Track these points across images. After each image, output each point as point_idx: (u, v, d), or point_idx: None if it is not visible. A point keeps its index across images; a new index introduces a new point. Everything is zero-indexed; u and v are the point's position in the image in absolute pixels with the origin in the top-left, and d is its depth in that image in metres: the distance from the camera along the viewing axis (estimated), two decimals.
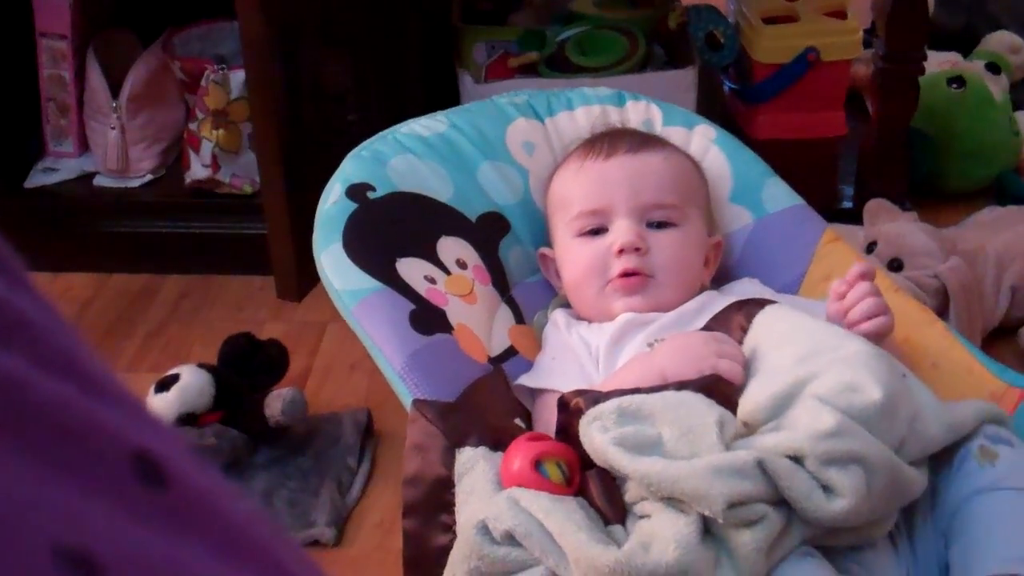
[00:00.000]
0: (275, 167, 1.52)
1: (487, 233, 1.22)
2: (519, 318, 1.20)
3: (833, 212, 1.77)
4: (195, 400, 1.37)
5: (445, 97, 1.86)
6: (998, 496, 0.89)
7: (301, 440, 1.40)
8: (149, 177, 1.91)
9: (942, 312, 1.51)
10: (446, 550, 0.90)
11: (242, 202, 1.77)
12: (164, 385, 1.38)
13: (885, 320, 1.02)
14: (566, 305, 1.20)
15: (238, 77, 1.74)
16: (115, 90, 1.88)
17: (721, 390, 0.90)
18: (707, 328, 1.03)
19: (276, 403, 1.36)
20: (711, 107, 2.03)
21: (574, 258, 1.16)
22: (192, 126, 1.82)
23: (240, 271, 1.79)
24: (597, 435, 0.87)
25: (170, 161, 1.94)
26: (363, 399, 1.48)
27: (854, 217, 1.70)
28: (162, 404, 1.37)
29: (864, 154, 1.79)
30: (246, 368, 1.42)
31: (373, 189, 1.18)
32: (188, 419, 1.36)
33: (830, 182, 1.90)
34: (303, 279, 1.59)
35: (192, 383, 1.37)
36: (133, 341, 1.69)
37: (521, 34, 1.91)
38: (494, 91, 1.79)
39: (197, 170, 1.82)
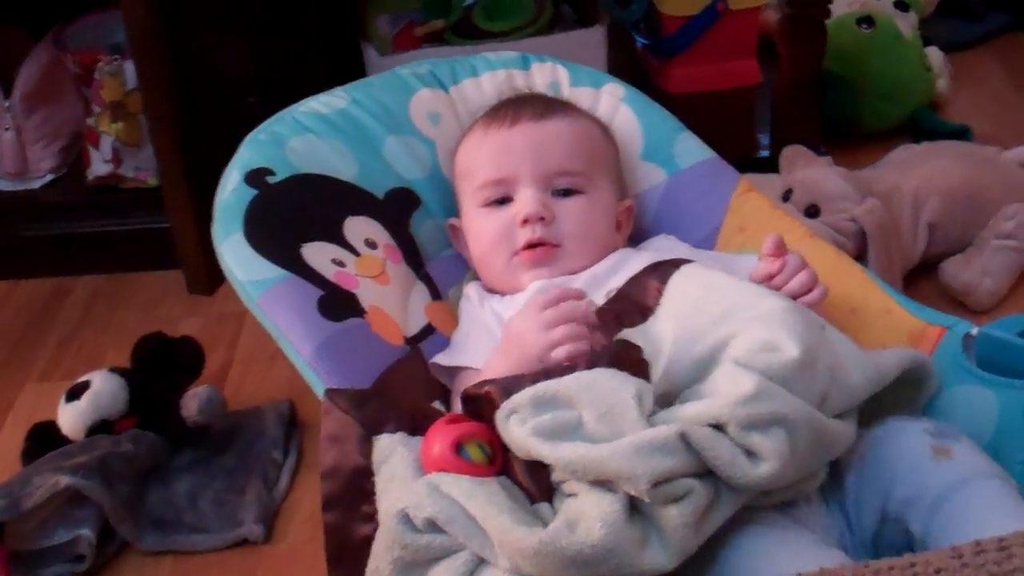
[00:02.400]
0: (173, 158, 1.47)
1: (396, 209, 1.19)
2: (436, 294, 1.17)
3: (751, 161, 1.77)
4: (108, 406, 1.32)
5: (350, 72, 1.82)
6: (973, 488, 0.87)
7: (223, 438, 1.36)
8: (50, 177, 1.85)
9: (861, 254, 1.50)
10: (369, 541, 0.87)
11: (148, 195, 1.72)
12: (75, 393, 1.33)
13: (817, 295, 1.02)
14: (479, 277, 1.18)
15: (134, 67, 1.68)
16: (7, 89, 1.81)
17: (630, 357, 0.88)
18: (621, 293, 1.01)
19: (192, 403, 1.32)
20: (623, 64, 2.00)
21: (480, 230, 1.14)
22: (90, 121, 1.76)
23: (152, 267, 1.74)
24: (516, 428, 0.85)
25: (71, 159, 1.87)
26: (286, 389, 1.44)
27: (771, 165, 1.68)
28: (74, 413, 1.32)
29: (776, 101, 1.78)
30: (160, 369, 1.37)
31: (272, 173, 1.14)
32: (103, 426, 1.32)
33: (748, 131, 1.88)
34: (213, 271, 1.54)
35: (104, 389, 1.33)
36: (46, 349, 1.64)
37: (426, 2, 1.87)
38: (400, 63, 1.75)
39: (99, 166, 1.76)
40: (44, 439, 1.34)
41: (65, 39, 1.84)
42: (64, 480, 1.22)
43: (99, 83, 1.73)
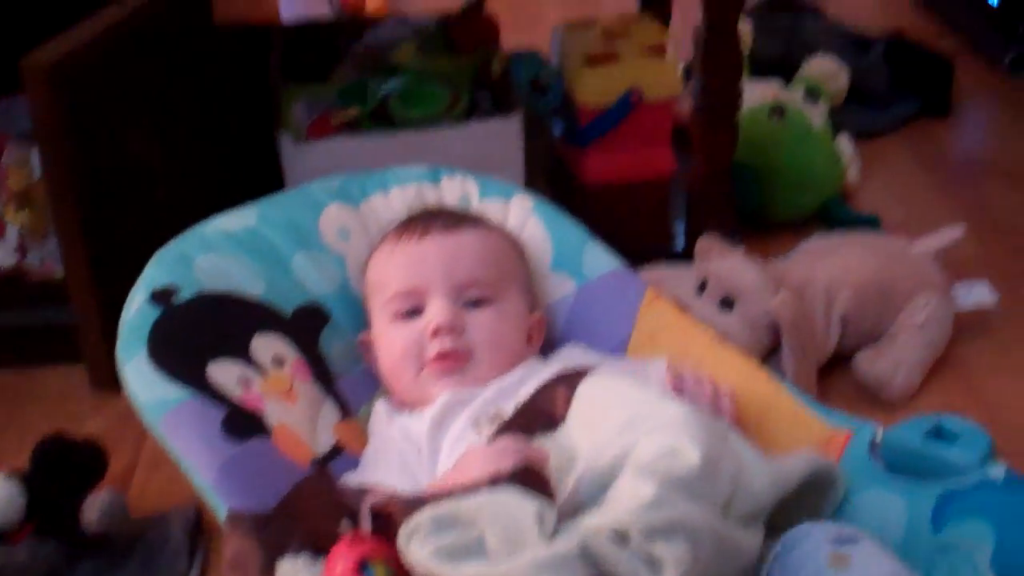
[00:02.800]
0: (78, 251, 1.44)
1: (305, 326, 1.18)
2: (346, 412, 1.17)
3: (667, 252, 1.78)
4: (3, 514, 1.27)
5: (265, 160, 1.80)
6: None
7: (125, 546, 1.31)
8: None
9: (775, 347, 1.51)
10: None
11: (55, 289, 1.67)
12: None
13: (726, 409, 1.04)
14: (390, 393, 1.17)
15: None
16: None
17: (535, 477, 0.87)
18: (530, 402, 1.01)
19: (93, 509, 1.27)
20: (540, 153, 2.02)
21: (390, 341, 1.13)
22: None
23: (58, 361, 1.69)
24: (416, 550, 0.83)
25: None
26: (193, 494, 1.39)
27: (688, 256, 1.70)
28: None
29: (691, 192, 1.80)
30: (60, 472, 1.32)
31: (178, 292, 1.13)
32: None
33: (663, 222, 1.90)
34: (118, 368, 1.51)
35: (0, 496, 1.28)
36: None
37: (342, 89, 1.86)
38: (316, 150, 1.75)
39: (4, 257, 1.71)
40: None
41: None
42: None
43: (4, 171, 1.69)
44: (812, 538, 0.91)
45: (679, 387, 1.05)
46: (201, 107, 1.77)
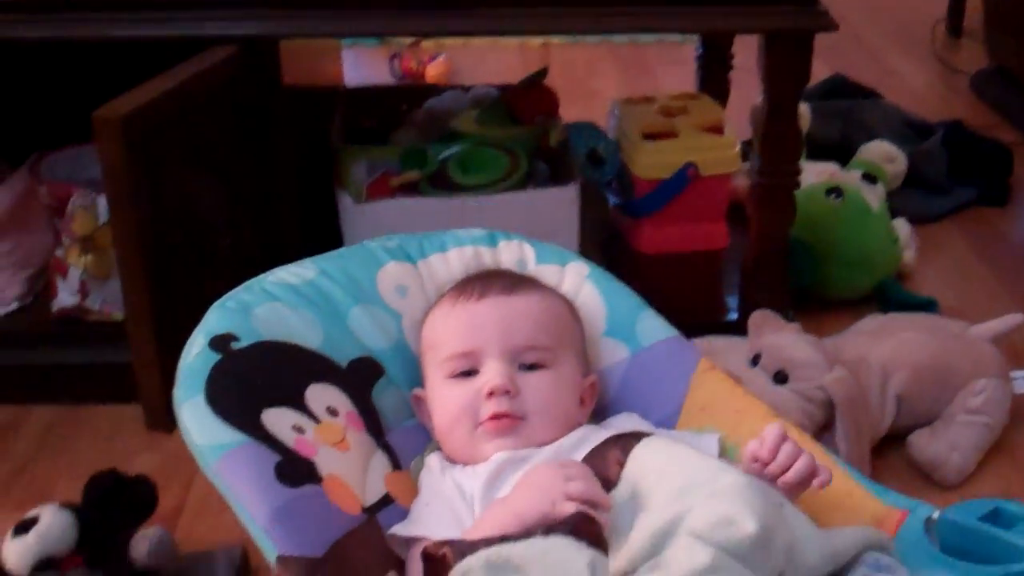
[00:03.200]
0: (140, 294, 1.46)
1: (359, 378, 1.19)
2: (396, 464, 1.16)
3: (719, 324, 1.78)
4: (56, 543, 1.28)
5: (324, 218, 1.83)
6: None
7: None
8: (15, 305, 1.83)
9: (829, 423, 1.50)
10: None
11: (113, 329, 1.70)
12: (23, 527, 1.29)
13: (825, 478, 1.02)
14: (442, 448, 1.17)
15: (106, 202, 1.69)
16: None
17: (589, 528, 0.87)
18: (585, 462, 1.01)
19: (142, 545, 1.28)
20: (596, 222, 2.03)
21: (444, 400, 1.14)
22: (59, 252, 1.75)
23: (112, 400, 1.71)
24: None
25: (38, 289, 1.86)
26: (239, 535, 1.39)
27: (740, 328, 1.69)
28: (20, 548, 1.28)
29: (746, 266, 1.80)
30: (112, 507, 1.33)
31: (237, 339, 1.14)
32: (49, 563, 1.28)
33: (715, 294, 1.90)
34: (173, 409, 1.53)
35: (53, 525, 1.28)
36: None
37: (402, 153, 1.89)
38: (374, 211, 1.77)
39: (65, 297, 1.75)
40: None
41: (41, 170, 1.84)
42: None
43: (71, 216, 1.73)
44: (857, 562, 0.92)
45: (768, 452, 1.02)
46: (265, 164, 1.80)
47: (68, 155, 1.87)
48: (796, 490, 1.02)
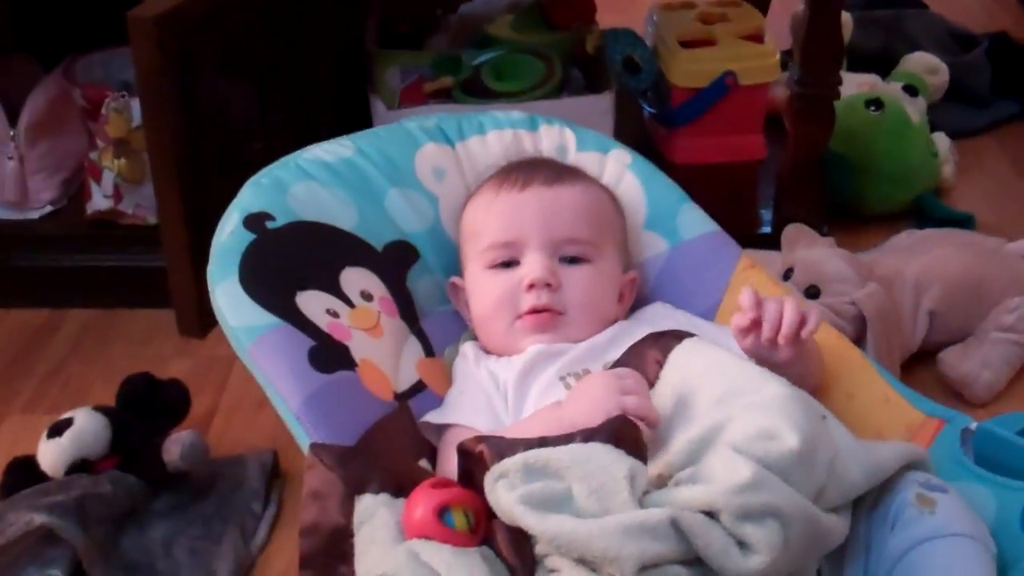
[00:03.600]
0: (173, 199, 1.46)
1: (394, 262, 1.17)
2: (429, 351, 1.16)
3: (752, 237, 1.76)
4: (90, 446, 1.30)
5: (357, 123, 1.81)
6: (943, 543, 0.87)
7: (203, 485, 1.34)
8: (49, 208, 1.84)
9: (860, 339, 1.49)
10: None
11: (146, 233, 1.71)
12: (57, 430, 1.31)
13: (812, 325, 1.00)
14: (477, 337, 1.17)
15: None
16: (13, 118, 1.80)
17: (629, 435, 0.86)
18: (621, 362, 1.00)
19: (175, 447, 1.30)
20: (630, 131, 2.01)
21: (483, 290, 1.13)
22: (93, 155, 1.75)
23: (145, 305, 1.72)
24: (504, 493, 0.83)
25: (72, 192, 1.86)
26: (270, 439, 1.42)
27: (773, 242, 1.68)
28: (55, 450, 1.30)
29: (781, 178, 1.78)
30: (145, 410, 1.35)
31: (272, 218, 1.12)
32: (82, 465, 1.30)
33: (749, 206, 1.88)
34: (206, 314, 1.53)
35: (87, 427, 1.31)
36: (31, 380, 1.62)
37: (436, 59, 1.87)
38: (407, 117, 1.75)
39: (99, 201, 1.75)
40: (22, 474, 1.32)
41: (75, 72, 1.83)
42: (39, 518, 1.20)
43: (105, 118, 1.72)
44: (905, 478, 0.92)
45: (758, 310, 1.01)
46: (299, 66, 1.78)
47: (102, 57, 1.86)
48: (795, 344, 1.00)
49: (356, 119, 1.81)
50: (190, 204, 1.51)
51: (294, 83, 1.74)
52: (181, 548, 1.27)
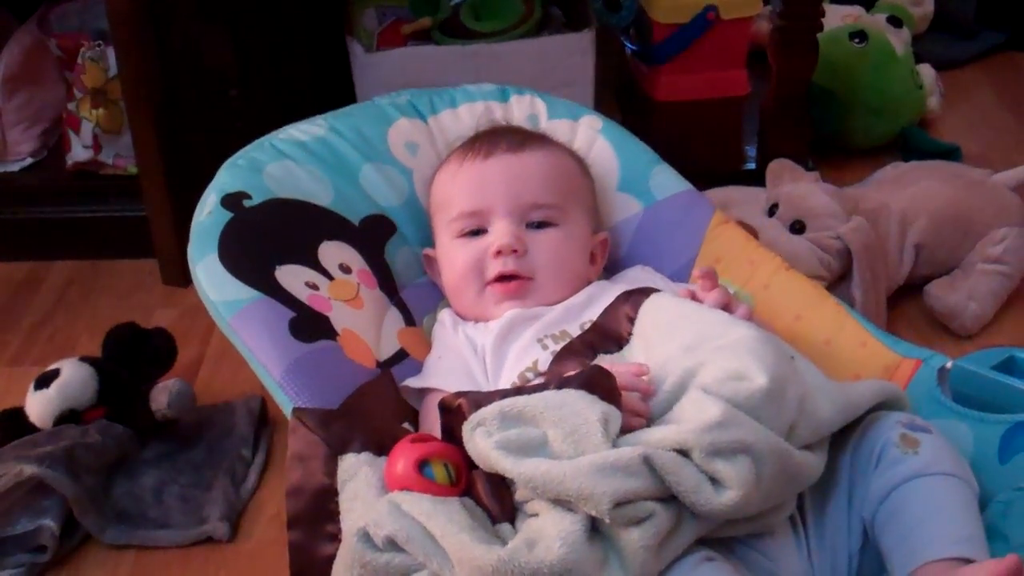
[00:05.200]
0: (152, 147, 1.46)
1: (371, 236, 1.19)
2: (409, 320, 1.18)
3: (737, 173, 1.76)
4: (77, 396, 1.30)
5: (335, 68, 1.80)
6: (927, 482, 0.88)
7: (192, 432, 1.35)
8: (29, 160, 1.83)
9: (846, 273, 1.49)
10: (332, 561, 0.87)
11: (128, 183, 1.70)
12: (44, 381, 1.32)
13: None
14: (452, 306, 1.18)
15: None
16: None
17: (603, 383, 0.87)
18: (596, 325, 1.03)
19: (162, 396, 1.30)
20: (611, 69, 1.99)
21: (453, 259, 1.14)
22: (71, 106, 1.74)
23: (129, 255, 1.72)
24: (481, 440, 0.84)
25: (51, 143, 1.85)
26: (258, 386, 1.40)
27: (758, 178, 1.67)
28: (42, 401, 1.31)
29: (765, 113, 1.77)
30: (131, 360, 1.36)
31: (249, 197, 1.14)
32: (70, 416, 1.30)
33: (734, 142, 1.87)
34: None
35: (73, 378, 1.31)
36: (17, 333, 1.62)
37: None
38: (386, 60, 1.74)
39: (78, 152, 1.74)
40: (11, 426, 1.32)
41: (49, 22, 1.82)
42: (29, 469, 1.20)
43: (81, 68, 1.71)
44: (888, 419, 0.92)
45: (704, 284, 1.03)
46: (272, 12, 1.77)
47: (75, 6, 1.84)
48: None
49: (334, 63, 1.79)
50: (169, 152, 1.51)
51: (269, 28, 1.73)
52: (172, 495, 1.28)
